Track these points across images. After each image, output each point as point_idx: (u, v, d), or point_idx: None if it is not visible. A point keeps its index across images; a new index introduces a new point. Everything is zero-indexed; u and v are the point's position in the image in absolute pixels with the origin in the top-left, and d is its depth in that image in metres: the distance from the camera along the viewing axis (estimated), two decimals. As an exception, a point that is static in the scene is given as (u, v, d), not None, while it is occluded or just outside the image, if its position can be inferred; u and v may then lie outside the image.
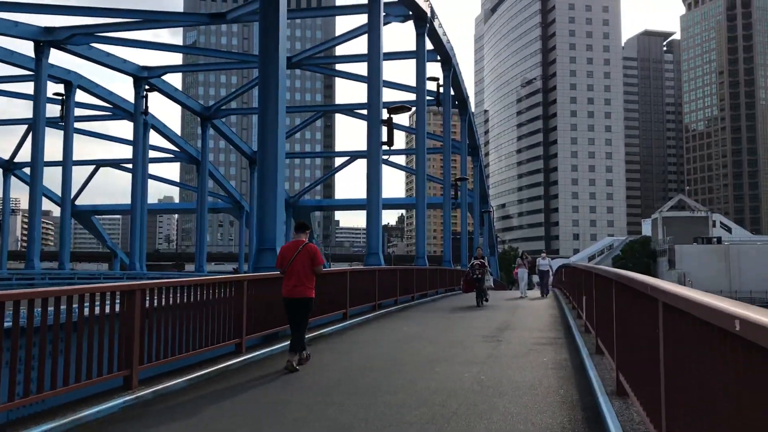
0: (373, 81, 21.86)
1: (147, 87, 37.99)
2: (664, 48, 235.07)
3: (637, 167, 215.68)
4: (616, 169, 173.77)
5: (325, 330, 12.69)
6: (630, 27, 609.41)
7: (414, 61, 28.92)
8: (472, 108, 57.66)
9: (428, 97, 32.86)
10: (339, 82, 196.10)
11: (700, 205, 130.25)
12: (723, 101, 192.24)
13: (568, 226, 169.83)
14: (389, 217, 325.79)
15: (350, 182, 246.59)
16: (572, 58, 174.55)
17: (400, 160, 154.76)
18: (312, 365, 9.00)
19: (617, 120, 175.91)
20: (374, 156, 21.76)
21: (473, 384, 7.62)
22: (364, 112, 29.29)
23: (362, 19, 24.46)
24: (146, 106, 38.08)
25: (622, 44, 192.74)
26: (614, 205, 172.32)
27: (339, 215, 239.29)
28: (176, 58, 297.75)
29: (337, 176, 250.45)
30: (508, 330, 13.58)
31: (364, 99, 25.00)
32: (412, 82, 29.80)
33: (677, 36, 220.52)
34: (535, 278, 29.00)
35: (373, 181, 21.63)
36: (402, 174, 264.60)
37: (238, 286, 9.76)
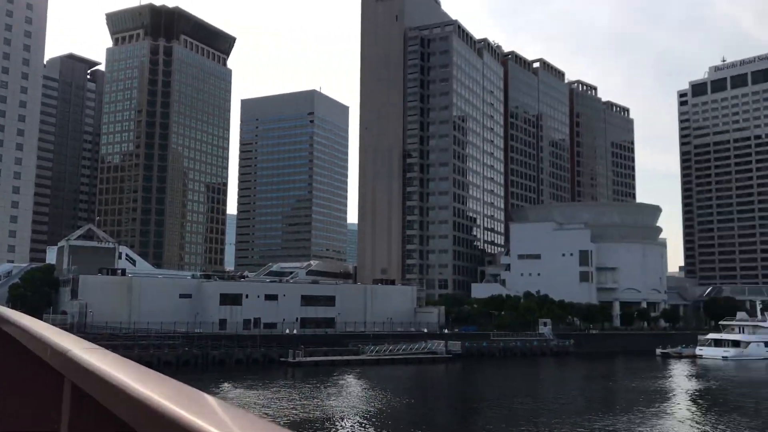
0: None
1: None
2: (89, 76, 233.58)
3: (48, 191, 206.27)
4: (24, 190, 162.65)
5: None
6: (55, 46, 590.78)
7: None
8: None
9: None
10: None
11: (109, 237, 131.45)
12: (139, 138, 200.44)
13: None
14: None
15: None
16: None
17: None
18: None
19: (31, 139, 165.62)
20: None
21: None
22: None
23: None
24: None
25: (45, 62, 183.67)
26: (18, 229, 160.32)
27: None
28: None
29: None
30: None
31: None
32: None
33: (102, 67, 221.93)
34: None
35: None
36: None
37: None
